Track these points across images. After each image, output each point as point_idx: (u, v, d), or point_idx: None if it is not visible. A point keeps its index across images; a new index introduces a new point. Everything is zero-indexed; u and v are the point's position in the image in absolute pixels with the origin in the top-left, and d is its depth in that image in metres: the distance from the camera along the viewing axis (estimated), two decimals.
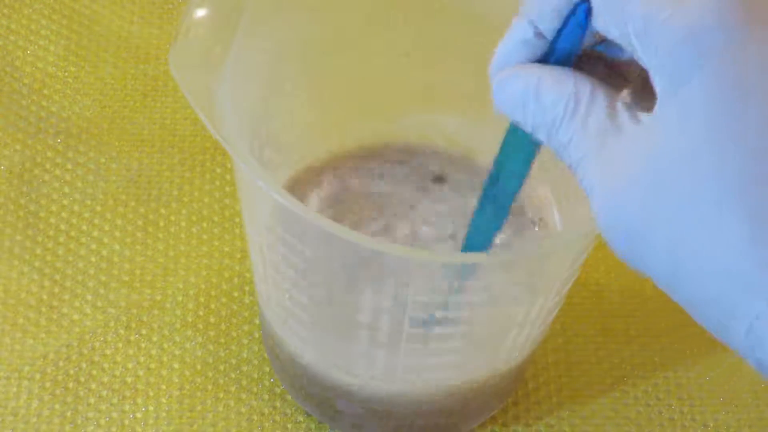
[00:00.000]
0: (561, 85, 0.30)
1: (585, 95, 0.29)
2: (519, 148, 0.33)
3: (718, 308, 0.27)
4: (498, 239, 0.44)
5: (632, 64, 0.30)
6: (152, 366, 0.49)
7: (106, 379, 0.48)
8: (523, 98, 0.30)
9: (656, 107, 0.28)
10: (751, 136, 0.26)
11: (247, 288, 0.51)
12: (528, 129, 0.30)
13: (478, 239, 0.37)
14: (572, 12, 0.30)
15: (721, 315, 0.27)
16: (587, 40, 0.30)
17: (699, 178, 0.27)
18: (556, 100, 0.29)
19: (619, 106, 0.29)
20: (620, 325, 0.51)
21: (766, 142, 0.26)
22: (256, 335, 0.50)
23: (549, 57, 0.31)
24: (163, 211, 0.53)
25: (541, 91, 0.30)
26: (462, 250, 0.38)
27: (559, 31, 0.30)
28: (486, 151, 0.47)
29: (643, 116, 0.29)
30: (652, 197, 0.27)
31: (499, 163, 0.34)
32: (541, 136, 0.30)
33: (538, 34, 0.30)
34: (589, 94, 0.29)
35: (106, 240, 0.52)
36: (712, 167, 0.26)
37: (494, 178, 0.35)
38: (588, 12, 0.30)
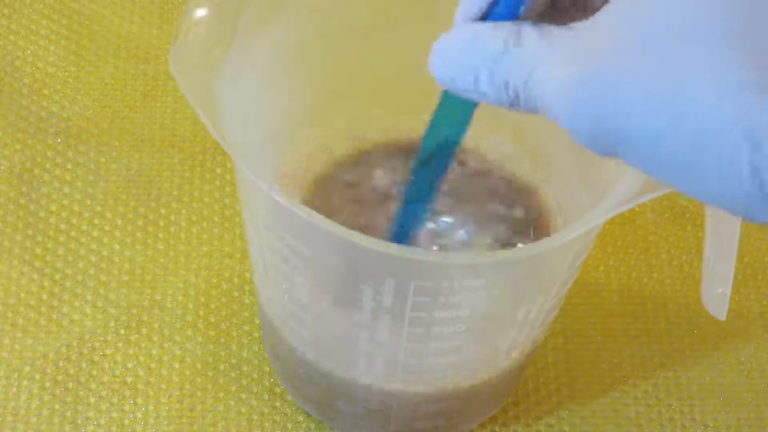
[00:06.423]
0: (492, 38, 0.30)
1: (512, 34, 0.29)
2: (456, 112, 0.35)
3: (713, 140, 0.25)
4: (489, 238, 0.45)
5: None
6: (152, 366, 0.49)
7: (106, 379, 0.48)
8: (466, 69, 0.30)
9: None
10: None
11: (247, 288, 0.51)
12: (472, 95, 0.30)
13: (410, 219, 0.39)
14: None
15: (718, 152, 0.25)
16: None
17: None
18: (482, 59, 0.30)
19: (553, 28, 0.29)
20: (620, 325, 0.51)
21: None
22: (256, 335, 0.50)
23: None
24: (163, 211, 0.53)
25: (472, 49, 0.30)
26: (395, 233, 0.40)
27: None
28: (488, 148, 0.47)
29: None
30: (637, 62, 0.26)
31: (434, 128, 0.36)
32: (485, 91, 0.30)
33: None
34: (517, 32, 0.29)
35: (106, 240, 0.52)
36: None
37: (429, 148, 0.36)
38: None
